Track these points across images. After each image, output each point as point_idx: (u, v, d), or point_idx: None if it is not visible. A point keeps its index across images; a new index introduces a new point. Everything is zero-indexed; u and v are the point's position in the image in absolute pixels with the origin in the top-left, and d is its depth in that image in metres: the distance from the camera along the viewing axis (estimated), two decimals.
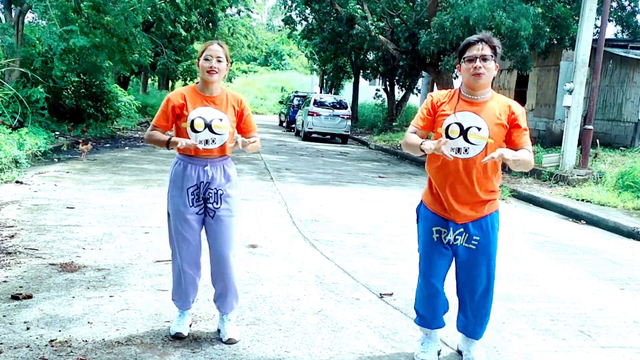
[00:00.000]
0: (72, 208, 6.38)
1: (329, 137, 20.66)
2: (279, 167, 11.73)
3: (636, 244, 6.91)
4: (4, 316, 3.36)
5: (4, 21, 12.43)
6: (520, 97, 18.05)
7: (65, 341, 3.08)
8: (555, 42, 14.26)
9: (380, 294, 4.27)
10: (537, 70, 16.39)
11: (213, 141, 3.14)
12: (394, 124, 23.37)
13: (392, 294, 4.27)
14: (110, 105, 16.40)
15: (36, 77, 11.77)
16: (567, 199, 9.32)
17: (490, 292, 3.11)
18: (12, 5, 12.47)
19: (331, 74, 32.54)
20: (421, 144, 2.88)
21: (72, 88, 15.32)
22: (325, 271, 4.77)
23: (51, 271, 4.22)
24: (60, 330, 3.21)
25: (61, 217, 5.92)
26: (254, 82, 52.54)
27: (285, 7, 26.57)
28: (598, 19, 12.15)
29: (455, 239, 3.03)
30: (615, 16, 15.31)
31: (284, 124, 27.91)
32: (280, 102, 32.50)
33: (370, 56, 26.05)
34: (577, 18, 12.21)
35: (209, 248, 3.28)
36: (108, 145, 13.64)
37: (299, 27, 28.23)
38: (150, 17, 17.27)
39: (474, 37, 2.97)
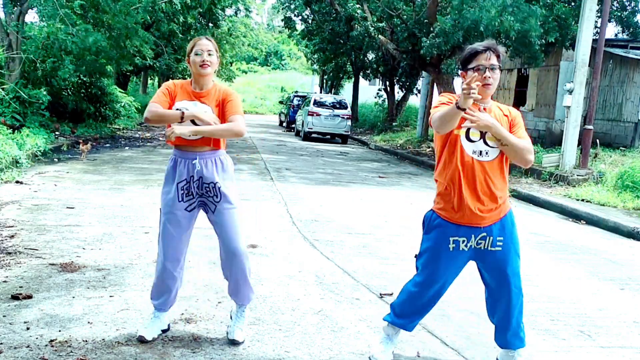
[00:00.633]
0: (72, 208, 6.38)
1: (329, 137, 20.65)
2: (279, 167, 11.73)
3: (636, 244, 6.92)
4: (4, 316, 3.36)
5: (4, 21, 12.43)
6: (520, 97, 18.04)
7: (65, 341, 3.08)
8: (555, 41, 14.23)
9: (380, 294, 4.28)
10: (537, 70, 16.38)
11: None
12: (394, 124, 23.38)
13: (392, 294, 4.26)
14: (110, 106, 16.43)
15: (38, 78, 11.76)
16: (567, 199, 9.33)
17: (521, 291, 3.08)
18: (12, 5, 12.48)
19: (331, 74, 32.52)
20: (455, 102, 2.70)
21: (72, 89, 15.32)
22: (325, 271, 4.78)
23: (51, 271, 4.23)
24: (60, 330, 3.21)
25: (61, 217, 5.92)
26: (254, 82, 52.56)
27: (283, 8, 26.53)
28: (598, 19, 12.14)
29: (477, 244, 2.97)
30: (615, 16, 15.30)
31: (284, 124, 27.90)
32: (280, 102, 32.45)
33: (370, 56, 26.03)
34: (577, 18, 12.19)
35: (219, 242, 3.26)
36: (108, 145, 13.64)
37: (299, 28, 28.22)
38: (149, 18, 17.25)
39: (480, 46, 2.91)
